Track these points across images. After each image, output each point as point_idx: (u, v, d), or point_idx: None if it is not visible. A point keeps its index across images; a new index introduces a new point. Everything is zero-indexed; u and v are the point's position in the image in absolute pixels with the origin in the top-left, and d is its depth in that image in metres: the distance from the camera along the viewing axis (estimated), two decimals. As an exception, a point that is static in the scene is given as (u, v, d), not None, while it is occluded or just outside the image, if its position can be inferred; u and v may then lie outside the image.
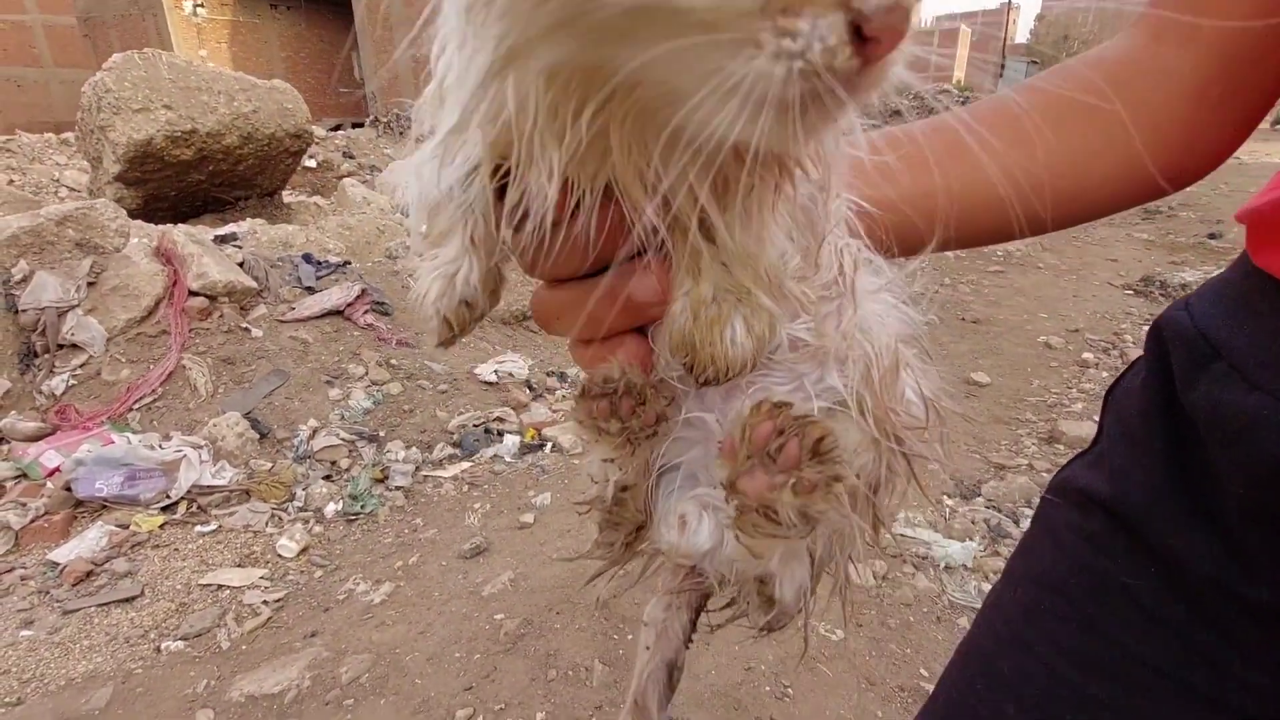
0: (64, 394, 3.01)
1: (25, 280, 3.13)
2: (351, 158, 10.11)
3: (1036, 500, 2.58)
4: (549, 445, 3.10)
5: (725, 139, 0.25)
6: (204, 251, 3.49)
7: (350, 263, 4.39)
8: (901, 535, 2.39)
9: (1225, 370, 0.42)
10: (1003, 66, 10.64)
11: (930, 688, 2.01)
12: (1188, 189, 0.55)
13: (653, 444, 0.45)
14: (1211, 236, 6.96)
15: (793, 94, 0.23)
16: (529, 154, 0.30)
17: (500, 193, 0.36)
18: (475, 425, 3.21)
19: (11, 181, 8.86)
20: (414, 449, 3.03)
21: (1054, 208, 0.51)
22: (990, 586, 2.28)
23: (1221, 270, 0.50)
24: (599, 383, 0.41)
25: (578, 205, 0.34)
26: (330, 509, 2.61)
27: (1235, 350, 0.43)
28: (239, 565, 2.29)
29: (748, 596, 0.47)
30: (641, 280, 0.37)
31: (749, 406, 0.38)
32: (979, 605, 2.40)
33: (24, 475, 2.60)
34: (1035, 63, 10.53)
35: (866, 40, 0.23)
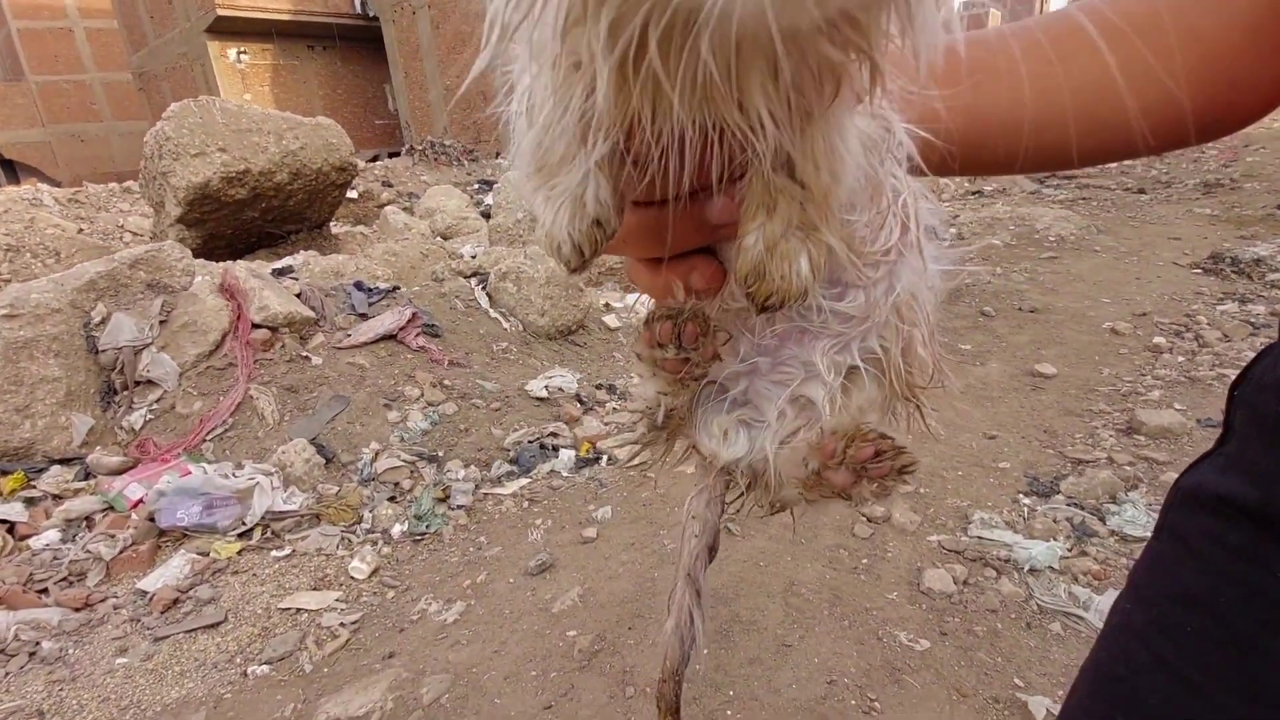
0: (142, 428, 3.15)
1: (104, 322, 3.30)
2: (390, 186, 10.41)
3: (1122, 496, 2.41)
4: (604, 459, 3.10)
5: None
6: (264, 285, 3.62)
7: (399, 288, 4.50)
8: (979, 538, 2.30)
9: None
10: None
11: (1027, 698, 1.90)
12: (1249, 160, 0.51)
13: (699, 384, 0.52)
14: (1282, 207, 6.56)
15: None
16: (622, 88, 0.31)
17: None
18: (530, 441, 3.23)
19: (81, 230, 9.39)
20: (472, 467, 3.06)
21: (1083, 136, 0.48)
22: (1081, 590, 2.14)
23: None
24: (665, 307, 0.46)
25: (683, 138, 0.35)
26: (396, 529, 2.66)
27: None
28: (314, 589, 2.34)
29: (759, 496, 0.57)
30: (717, 202, 0.39)
31: (852, 426, 0.47)
32: (1071, 609, 2.24)
33: (111, 508, 2.73)
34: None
35: None
